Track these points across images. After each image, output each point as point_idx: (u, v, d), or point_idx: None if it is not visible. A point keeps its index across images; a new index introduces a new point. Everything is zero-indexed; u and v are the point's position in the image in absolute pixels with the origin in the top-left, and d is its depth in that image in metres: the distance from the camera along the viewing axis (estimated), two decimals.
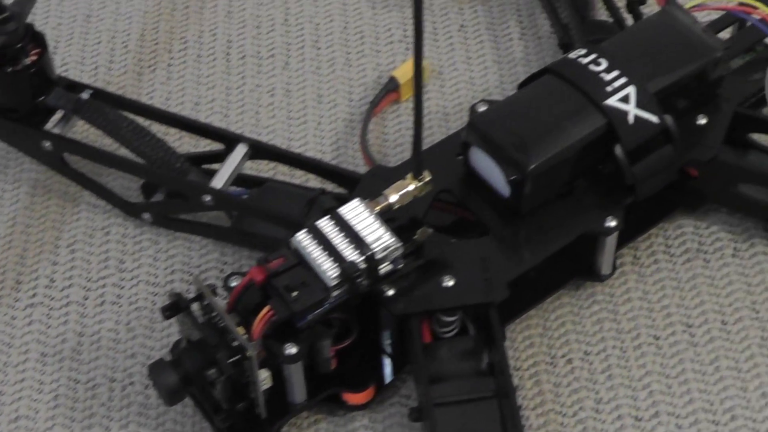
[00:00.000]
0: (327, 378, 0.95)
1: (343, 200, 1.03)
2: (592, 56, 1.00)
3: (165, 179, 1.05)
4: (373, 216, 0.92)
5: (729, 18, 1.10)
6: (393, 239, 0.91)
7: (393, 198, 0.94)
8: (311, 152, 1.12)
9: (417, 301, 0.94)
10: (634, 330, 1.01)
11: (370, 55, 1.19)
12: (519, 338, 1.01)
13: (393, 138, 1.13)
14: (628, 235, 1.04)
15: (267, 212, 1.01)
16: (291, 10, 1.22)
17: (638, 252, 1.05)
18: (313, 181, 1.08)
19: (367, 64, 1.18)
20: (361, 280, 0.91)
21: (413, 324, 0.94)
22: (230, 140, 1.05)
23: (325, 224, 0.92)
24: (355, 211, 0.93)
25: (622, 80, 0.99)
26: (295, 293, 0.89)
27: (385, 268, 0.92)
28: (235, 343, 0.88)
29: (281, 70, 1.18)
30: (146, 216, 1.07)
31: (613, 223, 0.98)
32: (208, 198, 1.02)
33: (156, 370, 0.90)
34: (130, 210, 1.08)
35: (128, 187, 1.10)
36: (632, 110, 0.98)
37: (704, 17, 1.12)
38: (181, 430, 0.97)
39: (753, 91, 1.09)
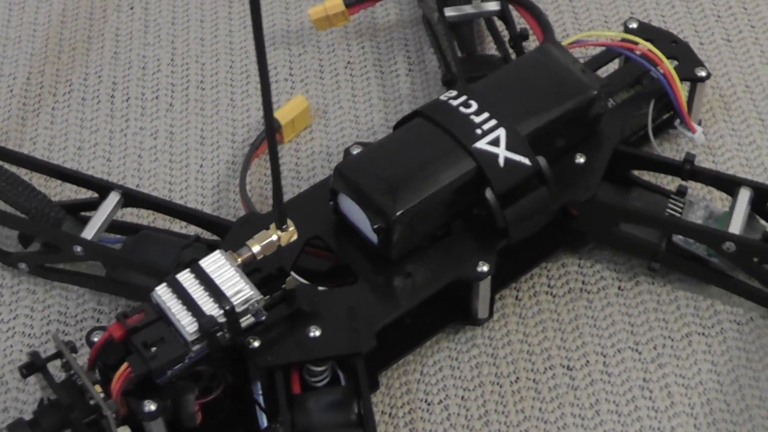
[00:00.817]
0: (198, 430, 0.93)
1: (213, 247, 1.02)
2: (462, 98, 0.99)
3: (36, 230, 1.03)
4: (233, 268, 0.91)
5: (611, 53, 1.09)
6: (253, 292, 0.90)
7: (256, 249, 0.92)
8: (192, 196, 1.10)
9: (283, 353, 0.92)
10: (514, 374, 1.00)
11: (254, 95, 1.17)
12: (396, 384, 0.99)
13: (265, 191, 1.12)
14: (509, 276, 1.03)
15: (137, 263, 1.00)
16: (177, 50, 1.21)
17: (520, 293, 1.04)
18: (193, 226, 1.07)
19: (252, 105, 1.17)
20: (222, 334, 0.89)
21: (279, 376, 0.92)
22: (102, 188, 1.04)
23: (186, 277, 0.90)
24: (216, 264, 0.91)
25: (492, 122, 0.97)
26: (153, 349, 0.88)
27: (246, 321, 0.90)
28: (93, 402, 0.86)
29: (165, 112, 1.16)
30: (23, 266, 1.05)
31: (485, 268, 0.96)
32: (78, 249, 1.00)
33: (13, 430, 0.88)
34: (6, 259, 1.06)
35: (7, 235, 1.08)
36: (502, 153, 0.97)
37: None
38: None
39: (637, 127, 1.08)
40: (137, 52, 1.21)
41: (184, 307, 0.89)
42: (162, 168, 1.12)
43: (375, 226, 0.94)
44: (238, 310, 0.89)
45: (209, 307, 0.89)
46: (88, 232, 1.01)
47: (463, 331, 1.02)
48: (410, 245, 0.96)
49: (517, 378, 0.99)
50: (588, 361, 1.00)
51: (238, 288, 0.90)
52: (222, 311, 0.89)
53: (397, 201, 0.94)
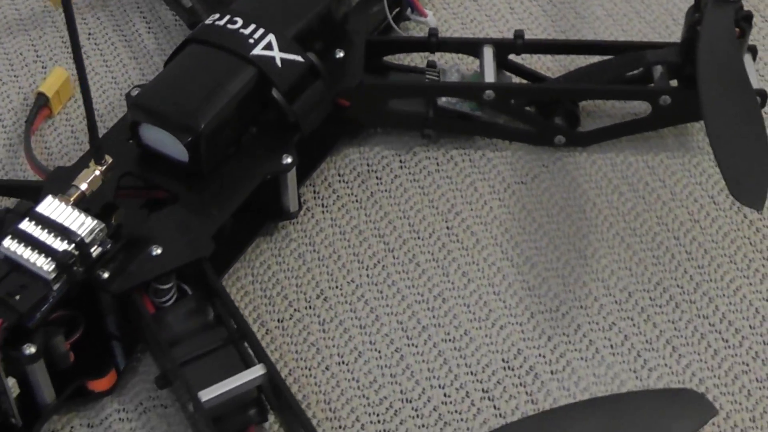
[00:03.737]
0: (68, 373, 0.97)
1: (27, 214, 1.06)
2: (227, 17, 1.07)
3: None
4: (70, 207, 0.96)
5: None
6: (95, 222, 0.95)
7: (83, 186, 0.97)
8: None
9: (133, 276, 0.97)
10: (335, 253, 1.08)
11: (9, 81, 1.21)
12: (233, 291, 1.06)
13: (57, 150, 1.16)
14: (301, 175, 1.11)
15: None
16: None
17: (316, 187, 1.13)
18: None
19: (9, 90, 1.20)
20: (77, 268, 0.94)
21: (135, 298, 0.97)
22: None
23: (27, 225, 0.94)
24: (51, 207, 0.95)
25: (261, 31, 1.06)
26: (18, 297, 0.92)
27: (95, 251, 0.95)
28: None
29: None
30: None
31: (289, 160, 1.05)
32: None
33: None
34: None
35: None
36: (277, 55, 1.05)
37: None
38: None
39: (378, 22, 1.19)
40: None
41: (35, 252, 0.93)
42: None
43: (186, 142, 1.01)
44: (87, 240, 0.94)
45: (59, 245, 0.93)
46: None
47: (278, 231, 1.10)
48: (217, 157, 1.04)
49: (339, 256, 1.08)
50: (395, 227, 1.10)
51: (81, 221, 0.95)
52: (72, 245, 0.93)
53: (199, 115, 1.01)
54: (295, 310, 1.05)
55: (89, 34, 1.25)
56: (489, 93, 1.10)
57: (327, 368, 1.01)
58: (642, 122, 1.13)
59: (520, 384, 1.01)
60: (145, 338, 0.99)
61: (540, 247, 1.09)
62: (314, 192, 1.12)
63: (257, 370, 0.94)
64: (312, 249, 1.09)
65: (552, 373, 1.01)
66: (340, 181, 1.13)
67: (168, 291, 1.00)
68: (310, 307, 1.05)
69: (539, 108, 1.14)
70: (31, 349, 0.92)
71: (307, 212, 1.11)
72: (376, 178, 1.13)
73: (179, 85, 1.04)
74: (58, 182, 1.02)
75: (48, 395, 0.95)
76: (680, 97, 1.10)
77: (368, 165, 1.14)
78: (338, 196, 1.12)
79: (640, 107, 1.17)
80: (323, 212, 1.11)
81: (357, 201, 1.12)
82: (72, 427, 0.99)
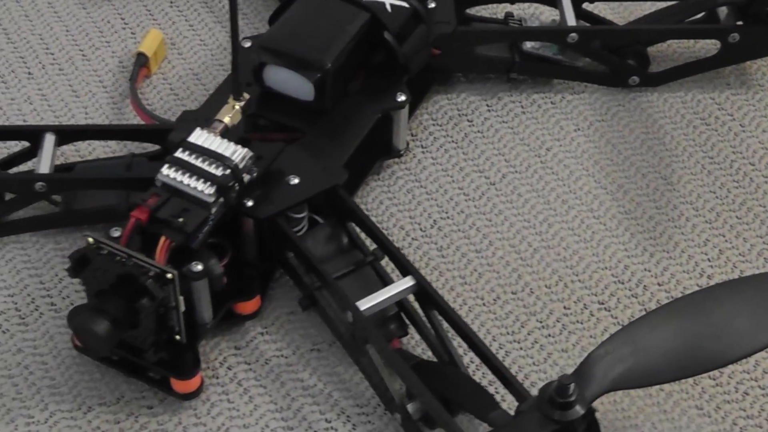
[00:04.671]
0: (221, 295, 1.02)
1: (156, 158, 1.11)
2: None
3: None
4: (219, 137, 1.01)
5: None
6: (245, 149, 1.01)
7: (226, 119, 1.03)
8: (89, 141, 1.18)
9: (276, 202, 1.03)
10: (441, 188, 1.15)
11: (102, 47, 1.26)
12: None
13: (159, 106, 1.21)
14: None
15: (97, 181, 1.07)
16: (8, 30, 1.27)
17: (414, 131, 1.19)
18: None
19: (104, 54, 1.25)
20: (232, 193, 0.99)
21: (281, 223, 1.03)
22: (34, 134, 1.10)
23: (182, 154, 1.00)
24: (202, 137, 1.01)
25: None
26: (181, 219, 0.97)
27: (246, 177, 1.01)
28: (152, 273, 0.94)
29: (27, 80, 1.23)
30: None
31: (403, 98, 1.12)
32: (40, 184, 1.06)
33: (86, 320, 0.94)
34: None
35: None
36: (387, 1, 1.12)
37: None
38: (98, 393, 1.01)
39: None
40: None
41: (194, 177, 0.99)
42: None
43: (314, 80, 1.07)
44: (240, 166, 1.00)
45: (215, 170, 0.99)
46: (43, 170, 1.07)
47: (384, 170, 1.16)
48: (338, 95, 1.10)
49: (445, 190, 1.15)
50: (492, 163, 1.17)
51: (232, 149, 1.00)
52: (229, 170, 0.99)
53: (325, 54, 1.07)
54: (412, 238, 1.12)
55: (171, 2, 1.30)
56: (573, 36, 1.18)
57: (452, 288, 1.08)
58: (711, 60, 1.22)
59: (632, 295, 1.08)
60: (285, 263, 1.05)
61: (629, 175, 1.17)
62: (412, 135, 1.19)
63: (407, 281, 1.00)
64: (419, 185, 1.15)
65: (659, 285, 1.09)
66: (434, 125, 1.20)
67: (301, 220, 1.06)
68: (426, 236, 1.12)
69: (611, 52, 1.23)
70: (198, 267, 0.97)
71: (408, 153, 1.18)
72: (468, 120, 1.21)
73: (301, 30, 1.10)
74: (188, 124, 1.07)
75: (207, 314, 1.00)
76: (749, 34, 1.19)
77: (458, 110, 1.21)
78: (435, 137, 1.19)
79: (701, 50, 1.26)
80: (423, 153, 1.18)
81: (453, 141, 1.19)
82: (220, 350, 1.04)
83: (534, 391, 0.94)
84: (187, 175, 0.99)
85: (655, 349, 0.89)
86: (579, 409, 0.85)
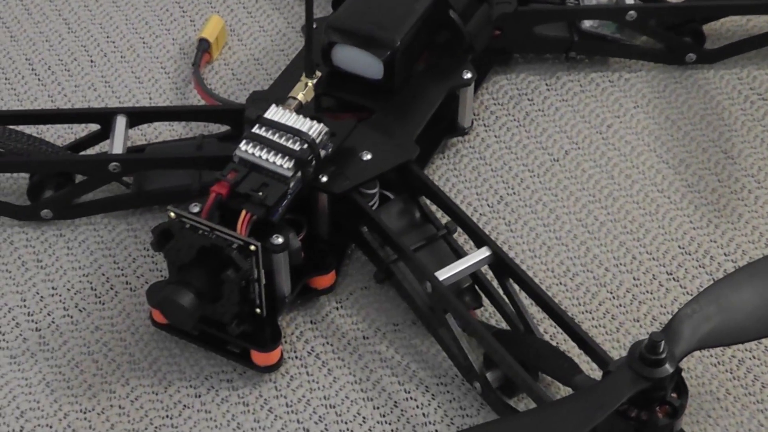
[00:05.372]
0: (298, 270, 1.03)
1: (225, 139, 1.13)
2: None
3: (73, 164, 1.09)
4: (294, 114, 1.03)
5: None
6: (321, 125, 1.02)
7: (300, 96, 1.05)
8: (157, 125, 1.19)
9: (351, 178, 1.04)
10: (506, 165, 1.17)
11: (162, 35, 1.28)
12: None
13: (222, 90, 1.23)
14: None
15: (170, 161, 1.09)
16: (69, 20, 1.29)
17: (475, 110, 1.21)
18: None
19: (164, 41, 1.27)
20: (310, 168, 1.01)
21: (357, 197, 1.04)
22: (105, 116, 1.11)
23: (260, 130, 1.01)
24: (278, 113, 1.02)
25: None
26: (260, 193, 0.98)
27: (322, 153, 1.02)
28: (236, 245, 0.95)
29: (90, 68, 1.24)
30: (45, 212, 1.10)
31: (469, 75, 1.13)
32: (114, 165, 1.07)
33: (171, 293, 0.95)
34: (26, 214, 1.11)
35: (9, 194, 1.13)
36: None
37: None
38: (177, 368, 1.02)
39: None
40: (32, 32, 1.28)
41: (272, 152, 1.00)
42: None
43: (383, 58, 1.08)
44: (317, 141, 1.01)
45: (293, 144, 1.00)
46: (117, 151, 1.09)
47: (448, 149, 1.18)
48: (406, 73, 1.11)
49: (510, 167, 1.17)
50: (555, 140, 1.19)
51: (309, 124, 1.02)
52: (306, 145, 1.00)
53: (394, 32, 1.09)
54: (480, 214, 1.13)
55: None
56: (631, 13, 1.20)
57: (522, 262, 1.09)
58: (766, 37, 1.24)
59: (699, 266, 1.09)
60: (359, 238, 1.06)
61: (690, 150, 1.18)
62: (474, 115, 1.20)
63: (484, 252, 1.01)
64: (484, 162, 1.17)
65: (725, 255, 1.10)
66: (495, 104, 1.22)
67: (373, 196, 1.07)
68: (494, 211, 1.13)
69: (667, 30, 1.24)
70: (279, 239, 0.98)
71: (471, 132, 1.19)
72: (528, 99, 1.22)
73: (369, 9, 1.11)
74: (258, 104, 1.08)
75: (286, 287, 1.02)
76: None
77: (517, 89, 1.23)
78: (497, 116, 1.20)
79: (754, 27, 1.27)
80: (486, 131, 1.19)
81: (515, 120, 1.20)
82: (297, 325, 1.05)
83: None
84: (265, 150, 1.00)
85: (739, 308, 0.90)
86: (668, 367, 0.87)
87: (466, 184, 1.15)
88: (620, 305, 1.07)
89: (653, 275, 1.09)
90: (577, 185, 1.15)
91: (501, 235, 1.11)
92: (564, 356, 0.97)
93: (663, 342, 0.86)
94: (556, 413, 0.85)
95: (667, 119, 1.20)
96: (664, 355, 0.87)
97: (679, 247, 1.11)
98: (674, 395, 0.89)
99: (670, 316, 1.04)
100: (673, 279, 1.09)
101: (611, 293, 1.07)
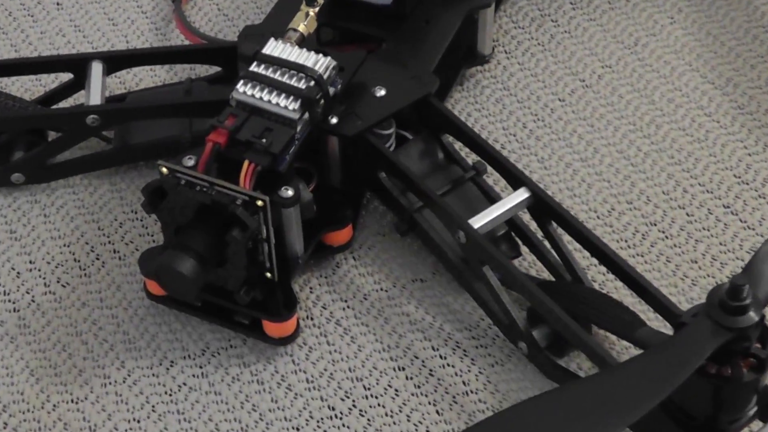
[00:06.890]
0: (311, 225, 0.91)
1: (216, 81, 1.00)
2: None
3: (45, 119, 0.97)
4: (296, 47, 0.89)
5: None
6: (328, 58, 0.89)
7: (301, 27, 0.92)
8: (137, 70, 1.06)
9: (364, 117, 0.91)
10: (533, 94, 1.04)
11: None
12: None
13: (208, 27, 1.10)
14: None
15: (156, 110, 0.95)
16: None
17: (494, 36, 1.08)
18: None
19: None
20: (318, 108, 0.88)
21: (372, 139, 0.91)
22: (78, 63, 0.98)
23: (258, 68, 0.88)
24: (278, 48, 0.89)
25: None
26: (264, 140, 0.85)
27: (330, 90, 0.89)
28: (240, 201, 0.82)
29: (57, 11, 1.11)
30: (17, 177, 0.97)
31: None
32: (92, 117, 0.94)
33: (169, 260, 0.82)
34: None
35: None
36: None
37: None
38: (179, 346, 0.90)
39: None
40: None
41: (274, 92, 0.87)
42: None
43: None
44: (325, 77, 0.88)
45: (297, 82, 0.87)
46: (93, 102, 0.95)
47: (467, 80, 1.05)
48: None
49: (538, 97, 1.04)
50: (585, 64, 1.06)
51: (314, 58, 0.88)
52: (313, 81, 0.87)
53: None
54: (509, 151, 1.00)
55: None
56: None
57: (560, 202, 0.96)
58: None
59: (759, 196, 0.97)
60: (377, 185, 0.93)
61: (737, 67, 1.05)
62: (494, 41, 1.07)
63: (522, 193, 0.89)
64: (508, 93, 1.04)
65: None
66: (516, 28, 1.08)
67: (389, 137, 0.94)
68: (524, 147, 1.00)
69: None
70: (289, 192, 0.85)
71: (492, 60, 1.06)
72: (552, 21, 1.09)
73: None
74: (252, 38, 0.95)
75: (298, 246, 0.89)
76: None
77: (539, 9, 1.10)
78: (519, 41, 1.07)
79: None
80: (508, 58, 1.06)
81: (539, 44, 1.07)
82: (311, 288, 0.93)
83: None
84: (267, 90, 0.87)
85: None
86: (753, 315, 0.74)
87: (491, 119, 1.02)
88: (674, 245, 0.94)
89: (708, 209, 0.96)
90: (615, 113, 1.02)
91: (534, 174, 0.99)
92: (623, 307, 0.85)
93: (747, 286, 0.74)
94: (631, 376, 0.73)
95: (708, 34, 1.08)
96: (748, 301, 0.74)
97: (735, 176, 0.98)
98: (759, 346, 0.77)
99: (731, 255, 0.93)
100: (731, 212, 0.96)
101: (663, 232, 0.95)
